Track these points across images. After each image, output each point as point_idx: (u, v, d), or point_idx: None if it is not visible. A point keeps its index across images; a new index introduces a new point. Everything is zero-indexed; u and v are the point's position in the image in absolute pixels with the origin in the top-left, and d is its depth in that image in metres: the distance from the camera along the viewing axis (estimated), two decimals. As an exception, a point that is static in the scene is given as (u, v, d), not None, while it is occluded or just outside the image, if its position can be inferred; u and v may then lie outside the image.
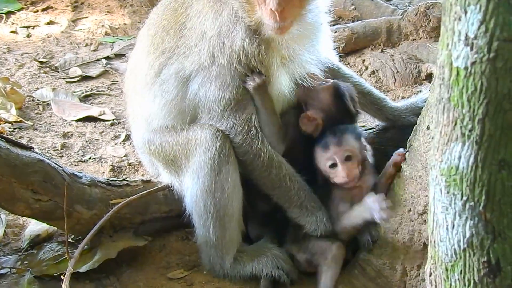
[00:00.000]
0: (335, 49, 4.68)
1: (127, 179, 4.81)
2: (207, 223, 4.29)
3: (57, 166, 4.49)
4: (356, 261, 4.27)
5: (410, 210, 3.94)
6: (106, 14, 7.55)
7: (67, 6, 7.64)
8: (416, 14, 6.85)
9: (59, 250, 4.61)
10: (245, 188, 4.35)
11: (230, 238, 4.35)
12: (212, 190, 4.25)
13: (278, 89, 4.28)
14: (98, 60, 6.88)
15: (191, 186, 4.33)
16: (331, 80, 4.44)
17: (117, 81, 6.43)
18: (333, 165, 4.22)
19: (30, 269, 4.49)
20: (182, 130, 4.33)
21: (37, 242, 4.74)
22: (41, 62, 6.76)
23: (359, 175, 4.22)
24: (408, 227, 3.96)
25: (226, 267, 4.36)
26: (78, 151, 5.67)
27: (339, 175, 4.20)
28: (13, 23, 7.33)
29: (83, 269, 4.36)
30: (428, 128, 3.77)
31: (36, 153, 4.46)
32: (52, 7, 7.61)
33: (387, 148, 4.51)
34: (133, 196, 4.56)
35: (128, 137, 5.69)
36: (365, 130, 4.82)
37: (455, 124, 2.80)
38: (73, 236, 4.63)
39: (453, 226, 2.91)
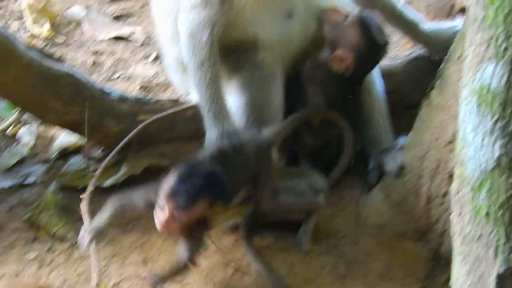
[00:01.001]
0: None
1: (156, 97, 4.78)
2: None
3: (87, 80, 4.50)
4: (381, 186, 4.26)
5: (437, 138, 3.90)
6: None
7: None
8: None
9: (84, 163, 4.64)
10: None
11: None
12: (258, 105, 4.25)
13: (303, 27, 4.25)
14: (130, -21, 6.78)
15: (233, 103, 4.30)
16: (355, 12, 4.32)
17: (149, 2, 6.33)
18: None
19: (56, 180, 4.52)
20: None
21: (66, 154, 4.78)
22: (74, -21, 6.69)
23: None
24: (435, 155, 3.93)
25: None
26: (109, 68, 5.66)
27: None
28: None
29: (106, 183, 4.39)
30: (459, 58, 3.70)
31: (68, 66, 4.48)
32: None
33: (420, 78, 4.50)
34: (161, 114, 4.53)
35: (158, 57, 5.64)
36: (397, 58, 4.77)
37: (489, 44, 2.75)
38: (102, 148, 4.62)
39: (482, 146, 2.88)
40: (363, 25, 4.27)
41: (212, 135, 4.13)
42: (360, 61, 4.28)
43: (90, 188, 3.99)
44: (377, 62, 4.42)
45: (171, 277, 3.73)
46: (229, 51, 4.31)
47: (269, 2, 4.21)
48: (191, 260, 3.68)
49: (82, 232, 3.70)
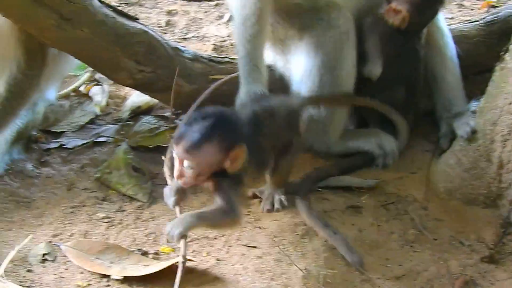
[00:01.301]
0: None
1: (229, 57, 4.73)
2: None
3: (161, 38, 4.45)
4: (452, 151, 4.17)
5: (511, 103, 3.79)
6: None
7: None
8: None
9: (156, 123, 4.64)
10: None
11: (340, 115, 4.33)
12: (331, 66, 4.20)
13: None
14: None
15: (305, 63, 4.26)
16: None
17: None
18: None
19: (127, 140, 4.50)
20: None
21: (138, 113, 4.78)
22: None
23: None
24: (508, 120, 3.81)
25: (329, 142, 4.33)
26: (182, 29, 5.64)
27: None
28: None
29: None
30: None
31: (141, 24, 4.42)
32: None
33: (493, 42, 4.45)
34: (234, 74, 4.43)
35: (232, 17, 5.57)
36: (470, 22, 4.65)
37: None
38: (174, 109, 4.56)
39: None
40: None
41: (242, 95, 4.11)
42: (414, 14, 4.20)
43: (170, 148, 3.88)
44: (433, 14, 4.33)
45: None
46: (300, 10, 4.24)
47: None
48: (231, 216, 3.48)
49: (166, 191, 3.62)
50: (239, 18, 4.21)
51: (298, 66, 4.33)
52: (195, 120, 3.43)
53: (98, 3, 4.17)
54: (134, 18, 4.39)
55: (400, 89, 4.39)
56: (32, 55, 4.19)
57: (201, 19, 5.77)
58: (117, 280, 3.51)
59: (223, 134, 3.42)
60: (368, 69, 4.31)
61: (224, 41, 5.47)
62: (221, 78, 4.42)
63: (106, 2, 4.29)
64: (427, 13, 4.30)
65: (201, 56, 4.59)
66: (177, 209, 3.58)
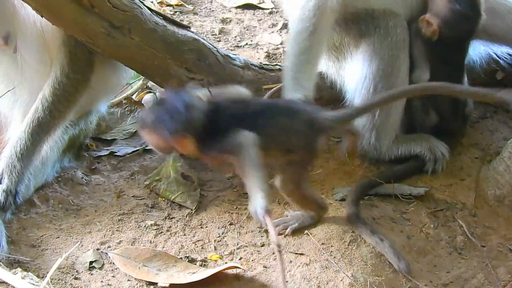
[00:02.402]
0: None
1: (281, 65, 4.68)
2: None
3: (211, 46, 4.44)
4: (501, 157, 4.09)
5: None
6: None
7: None
8: None
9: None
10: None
11: (392, 122, 4.31)
12: (386, 74, 4.19)
13: None
14: None
15: (359, 70, 4.26)
16: None
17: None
18: None
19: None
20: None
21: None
22: None
23: None
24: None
25: (382, 148, 4.31)
26: (235, 36, 5.62)
27: None
28: None
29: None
30: None
31: (192, 32, 4.41)
32: None
33: None
34: None
35: (285, 25, 5.60)
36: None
37: None
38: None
39: None
40: None
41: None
42: (445, 29, 4.15)
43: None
44: (468, 32, 4.23)
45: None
46: (358, 18, 4.24)
47: None
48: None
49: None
50: (292, 30, 4.23)
51: (353, 73, 4.31)
52: (156, 103, 3.54)
53: (149, 12, 4.16)
54: (185, 26, 4.40)
55: (445, 97, 4.32)
56: (75, 59, 4.18)
57: (255, 27, 5.74)
58: (163, 287, 3.49)
59: (164, 122, 3.39)
60: (416, 74, 4.27)
61: (277, 48, 5.44)
62: (273, 88, 4.40)
63: (158, 10, 4.28)
64: (459, 29, 4.20)
65: (252, 64, 4.58)
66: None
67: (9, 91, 4.25)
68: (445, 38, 4.18)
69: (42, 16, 3.96)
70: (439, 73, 4.22)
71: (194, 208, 4.04)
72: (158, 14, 4.27)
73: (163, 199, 4.13)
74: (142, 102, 4.74)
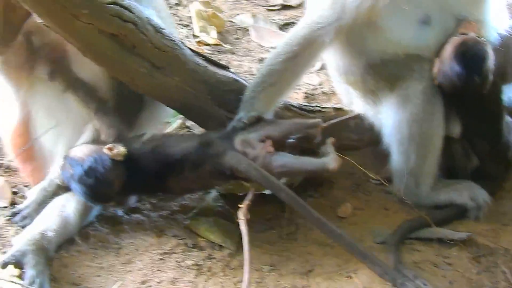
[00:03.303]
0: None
1: (320, 105, 4.75)
2: (409, 151, 4.21)
3: (252, 86, 4.42)
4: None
5: None
6: None
7: None
8: None
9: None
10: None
11: (429, 167, 4.26)
12: (421, 119, 4.16)
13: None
14: (299, -10, 6.75)
15: (395, 115, 4.24)
16: (471, 34, 4.09)
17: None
18: None
19: (215, 187, 4.45)
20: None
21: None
22: (243, -11, 6.73)
23: None
24: None
25: (421, 194, 4.27)
26: (274, 76, 5.59)
27: None
28: None
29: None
30: None
31: (232, 72, 4.43)
32: None
33: None
34: (327, 122, 4.43)
35: (323, 66, 5.56)
36: None
37: None
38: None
39: None
40: (459, 53, 4.07)
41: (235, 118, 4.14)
42: (449, 86, 4.13)
43: (249, 196, 3.90)
44: (467, 91, 4.15)
45: None
46: (391, 62, 4.24)
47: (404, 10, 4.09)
48: None
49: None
50: (272, 52, 4.28)
51: (388, 117, 4.31)
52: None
53: (190, 52, 4.19)
54: (225, 67, 4.41)
55: (481, 142, 4.29)
56: (123, 96, 4.21)
57: (293, 67, 5.72)
58: (204, 327, 3.49)
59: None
60: (449, 128, 4.27)
61: (316, 89, 5.45)
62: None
63: (198, 50, 4.30)
64: (455, 85, 4.12)
65: (291, 105, 4.59)
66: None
67: (51, 128, 4.29)
68: (443, 87, 4.16)
69: (84, 55, 3.98)
70: (471, 123, 4.27)
71: (234, 248, 4.03)
72: (199, 54, 4.29)
73: (203, 239, 4.11)
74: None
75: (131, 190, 4.14)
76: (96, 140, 4.10)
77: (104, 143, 4.01)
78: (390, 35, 4.15)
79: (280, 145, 4.02)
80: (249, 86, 4.23)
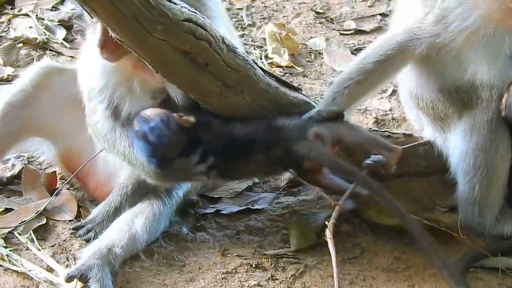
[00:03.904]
0: None
1: (390, 131, 4.72)
2: (474, 180, 4.18)
3: (322, 108, 4.40)
4: None
5: None
6: (384, -25, 7.38)
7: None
8: None
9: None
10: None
11: (494, 197, 4.21)
12: (486, 149, 4.13)
13: None
14: (373, 15, 6.75)
15: (461, 144, 4.23)
16: None
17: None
18: None
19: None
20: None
21: (296, 183, 4.70)
22: (318, 13, 6.72)
23: None
24: None
25: (486, 224, 4.23)
26: (344, 100, 5.57)
27: None
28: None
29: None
30: None
31: (303, 94, 4.42)
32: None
33: None
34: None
35: (394, 92, 5.55)
36: None
37: None
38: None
39: None
40: None
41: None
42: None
43: (334, 215, 3.86)
44: None
45: None
46: (461, 89, 4.20)
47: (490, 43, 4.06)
48: None
49: None
50: (364, 52, 4.32)
51: (455, 146, 4.30)
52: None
53: (262, 72, 4.18)
54: (297, 89, 4.40)
55: None
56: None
57: (364, 92, 5.70)
58: None
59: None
60: None
61: (386, 114, 5.41)
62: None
63: (270, 71, 4.29)
64: None
65: (363, 129, 4.55)
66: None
67: (101, 151, 4.34)
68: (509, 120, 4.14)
69: (157, 72, 3.99)
70: None
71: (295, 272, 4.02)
72: (270, 75, 4.27)
73: (267, 259, 4.09)
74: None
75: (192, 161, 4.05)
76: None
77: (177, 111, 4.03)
78: (474, 64, 4.12)
79: (348, 152, 4.04)
80: (334, 81, 4.25)
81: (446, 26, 4.06)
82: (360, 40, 6.38)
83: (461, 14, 4.03)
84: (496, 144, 4.14)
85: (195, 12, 3.90)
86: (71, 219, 4.35)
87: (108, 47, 3.93)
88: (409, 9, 4.28)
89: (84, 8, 3.74)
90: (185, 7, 3.86)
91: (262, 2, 6.81)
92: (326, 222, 3.82)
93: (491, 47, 4.06)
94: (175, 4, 3.82)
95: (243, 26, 6.44)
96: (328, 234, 3.78)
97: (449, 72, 4.21)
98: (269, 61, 5.97)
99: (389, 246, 4.25)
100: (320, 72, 5.96)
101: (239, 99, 4.10)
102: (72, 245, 4.14)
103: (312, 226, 4.29)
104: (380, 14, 6.73)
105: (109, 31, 3.79)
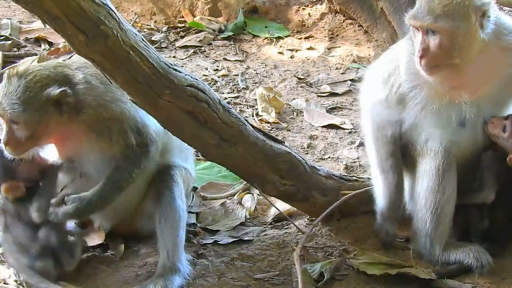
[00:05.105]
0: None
1: (357, 176, 4.71)
2: (425, 217, 4.16)
3: (301, 158, 4.47)
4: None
5: None
6: (355, 46, 7.45)
7: (325, 36, 7.58)
8: None
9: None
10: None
11: (442, 231, 4.19)
12: (435, 191, 4.11)
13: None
14: (345, 81, 6.79)
15: (415, 187, 4.24)
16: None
17: (358, 99, 6.27)
18: None
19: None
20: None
21: (280, 219, 4.71)
22: (299, 78, 6.77)
23: None
24: None
25: (435, 253, 4.19)
26: (320, 151, 5.63)
27: None
28: (280, 46, 7.39)
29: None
30: None
31: (286, 146, 4.45)
32: (312, 36, 7.59)
33: None
34: (360, 190, 4.49)
35: (362, 144, 5.54)
36: None
37: None
38: (309, 216, 4.57)
39: None
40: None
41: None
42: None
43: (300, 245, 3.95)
44: None
45: None
46: (415, 144, 4.22)
47: (443, 113, 4.07)
48: None
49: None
50: (376, 150, 4.35)
51: (409, 188, 4.33)
52: None
53: (251, 128, 4.23)
54: (280, 141, 4.42)
55: (501, 209, 4.24)
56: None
57: (337, 143, 5.75)
58: None
59: None
60: (484, 195, 4.22)
61: (354, 162, 5.44)
62: (349, 193, 4.43)
63: (258, 126, 4.33)
64: None
65: (333, 174, 4.57)
66: None
67: None
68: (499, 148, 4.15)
69: (164, 127, 4.02)
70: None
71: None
72: (259, 130, 4.31)
73: (256, 282, 4.09)
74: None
75: None
76: None
77: None
78: (428, 129, 4.15)
79: None
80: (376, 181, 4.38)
81: (404, 105, 4.12)
82: (334, 101, 6.42)
83: (414, 95, 4.07)
84: (444, 187, 4.12)
85: (196, 79, 3.96)
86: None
87: (12, 143, 3.93)
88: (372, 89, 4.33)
89: (104, 75, 3.78)
90: (188, 75, 3.92)
91: (254, 70, 6.87)
92: (295, 247, 3.85)
93: (440, 117, 4.08)
94: (180, 72, 3.89)
95: (239, 89, 6.48)
96: (296, 256, 3.85)
97: (409, 133, 4.22)
98: (259, 118, 6.01)
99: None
100: (301, 127, 5.99)
101: (233, 151, 4.13)
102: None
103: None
104: (350, 80, 6.77)
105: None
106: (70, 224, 4.31)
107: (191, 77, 3.93)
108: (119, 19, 3.66)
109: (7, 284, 3.90)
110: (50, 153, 4.13)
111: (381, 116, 4.23)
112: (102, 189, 4.00)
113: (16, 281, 3.88)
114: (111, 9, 3.64)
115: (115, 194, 4.03)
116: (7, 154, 3.92)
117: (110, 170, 4.02)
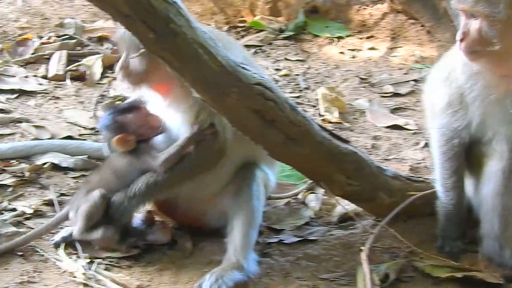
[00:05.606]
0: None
1: (423, 177, 4.67)
2: (493, 221, 4.09)
3: (368, 158, 4.44)
4: None
5: None
6: (417, 46, 7.41)
7: (387, 36, 7.55)
8: None
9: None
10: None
11: (511, 234, 4.10)
12: (502, 193, 4.04)
13: None
14: (408, 81, 6.75)
15: (480, 189, 4.17)
16: None
17: (421, 100, 6.21)
18: None
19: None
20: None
21: (345, 219, 4.69)
22: (362, 79, 6.75)
23: None
24: None
25: (505, 256, 4.13)
26: (384, 151, 5.60)
27: None
28: (342, 46, 7.37)
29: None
30: None
31: (352, 146, 4.42)
32: (374, 36, 7.57)
33: None
34: (428, 191, 4.42)
35: (426, 144, 5.50)
36: None
37: None
38: (375, 217, 4.56)
39: None
40: None
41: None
42: None
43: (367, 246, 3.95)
44: None
45: None
46: (479, 144, 4.17)
47: (503, 106, 4.00)
48: None
49: None
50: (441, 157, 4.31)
51: (476, 191, 4.27)
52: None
53: (318, 127, 4.21)
54: (346, 141, 4.40)
55: None
56: None
57: (401, 144, 5.71)
58: None
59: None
60: None
61: (419, 163, 5.38)
62: (416, 194, 4.38)
63: (324, 126, 4.32)
64: None
65: (400, 175, 4.54)
66: None
67: None
68: None
69: (231, 125, 4.04)
70: None
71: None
72: (325, 129, 4.29)
73: (322, 282, 4.08)
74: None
75: None
76: None
77: None
78: (492, 126, 4.10)
79: None
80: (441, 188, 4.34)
81: (466, 105, 4.09)
82: (397, 101, 6.39)
83: (470, 86, 4.02)
84: (511, 189, 4.06)
85: (263, 77, 3.97)
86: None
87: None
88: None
89: (172, 72, 3.82)
90: (256, 73, 3.93)
91: (316, 70, 6.87)
92: (362, 247, 3.86)
93: (502, 111, 4.01)
94: (248, 70, 3.90)
95: (300, 89, 6.49)
96: (363, 256, 3.83)
97: (474, 134, 4.17)
98: (322, 118, 6.00)
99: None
100: (364, 127, 5.97)
101: (300, 150, 4.12)
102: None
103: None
104: (413, 80, 6.73)
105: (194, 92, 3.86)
106: (138, 221, 4.36)
107: (259, 75, 3.94)
108: (188, 17, 3.69)
109: (75, 277, 3.95)
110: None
111: (446, 125, 4.18)
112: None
113: (84, 273, 3.93)
114: (181, 7, 3.67)
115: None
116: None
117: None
